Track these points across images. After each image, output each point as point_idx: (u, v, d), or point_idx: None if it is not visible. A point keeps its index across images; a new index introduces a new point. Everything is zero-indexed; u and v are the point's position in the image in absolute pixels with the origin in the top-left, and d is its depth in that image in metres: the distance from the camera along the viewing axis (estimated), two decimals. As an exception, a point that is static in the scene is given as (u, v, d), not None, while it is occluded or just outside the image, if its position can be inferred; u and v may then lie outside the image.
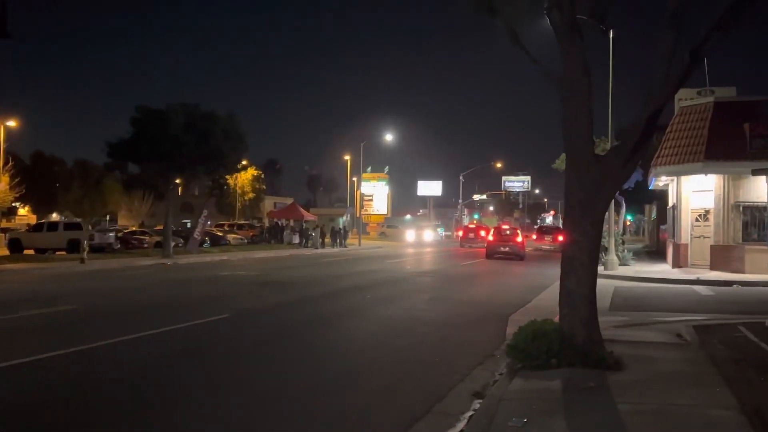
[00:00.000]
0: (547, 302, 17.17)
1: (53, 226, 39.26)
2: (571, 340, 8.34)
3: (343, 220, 64.90)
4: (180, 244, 42.46)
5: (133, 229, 50.84)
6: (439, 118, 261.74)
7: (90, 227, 65.57)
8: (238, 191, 77.09)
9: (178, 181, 79.19)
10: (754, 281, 21.91)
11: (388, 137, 62.64)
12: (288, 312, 14.54)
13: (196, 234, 39.52)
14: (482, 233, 50.77)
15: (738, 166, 23.91)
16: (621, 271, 25.98)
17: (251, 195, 78.72)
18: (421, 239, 72.37)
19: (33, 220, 66.56)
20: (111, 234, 39.07)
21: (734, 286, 21.43)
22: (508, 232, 39.73)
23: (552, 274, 26.96)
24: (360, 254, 42.71)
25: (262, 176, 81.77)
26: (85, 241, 29.40)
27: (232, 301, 16.38)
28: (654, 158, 26.90)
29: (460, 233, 57.85)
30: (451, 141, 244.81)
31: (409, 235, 72.43)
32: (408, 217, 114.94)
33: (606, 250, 27.82)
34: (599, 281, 22.85)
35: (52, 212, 68.01)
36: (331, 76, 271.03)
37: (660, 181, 30.21)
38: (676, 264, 27.23)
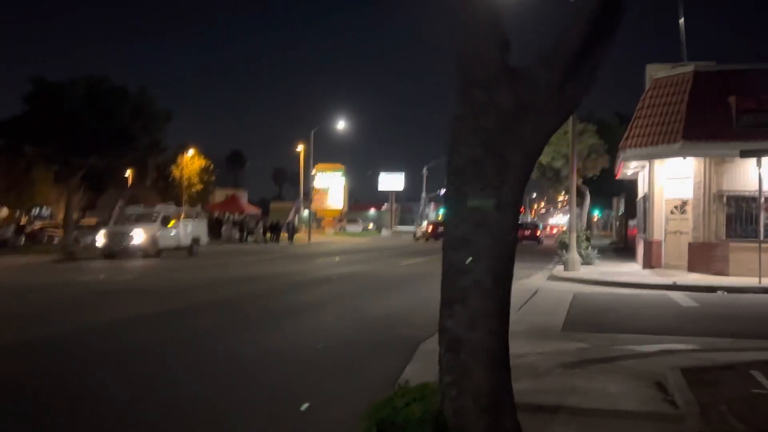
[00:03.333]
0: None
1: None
2: (458, 440, 4.13)
3: (292, 215, 59.93)
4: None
5: (47, 222, 45.72)
6: (406, 109, 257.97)
7: (27, 220, 60.63)
8: (185, 182, 72.03)
9: (132, 172, 74.84)
10: (741, 286, 18.03)
11: (340, 125, 58.25)
12: (67, 346, 10.03)
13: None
14: None
15: (723, 147, 20.02)
16: (584, 273, 22.00)
17: (199, 187, 73.59)
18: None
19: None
20: (9, 228, 34.21)
21: (719, 292, 17.54)
22: None
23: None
24: (299, 252, 38.38)
25: (212, 167, 76.63)
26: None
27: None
28: (622, 140, 22.94)
29: (430, 228, 62.17)
30: (415, 134, 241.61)
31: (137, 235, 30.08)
32: (372, 211, 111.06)
33: (567, 247, 23.85)
34: (557, 285, 18.82)
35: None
36: (297, 68, 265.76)
37: (629, 168, 26.29)
38: (648, 264, 23.31)
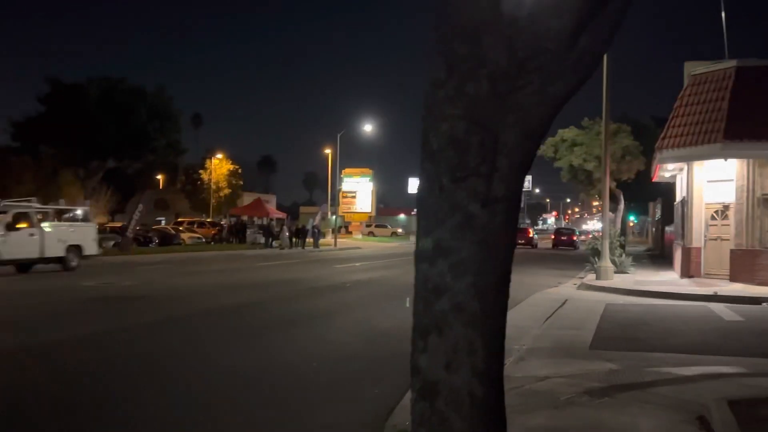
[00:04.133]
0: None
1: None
2: None
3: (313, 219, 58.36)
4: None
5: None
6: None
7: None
8: (213, 186, 71.80)
9: (163, 176, 74.78)
10: (789, 297, 16.59)
11: (368, 128, 57.24)
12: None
13: (128, 232, 34.26)
14: (529, 235, 62.09)
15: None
16: (617, 281, 20.67)
17: (227, 191, 73.34)
18: None
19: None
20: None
21: (764, 304, 16.13)
22: (522, 229, 59.08)
23: (531, 282, 21.90)
24: (322, 256, 37.46)
25: (239, 171, 76.35)
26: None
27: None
28: (659, 140, 21.54)
29: None
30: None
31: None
32: (402, 216, 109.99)
33: (599, 254, 22.49)
34: (588, 295, 17.48)
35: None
36: (331, 71, 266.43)
37: (666, 170, 24.83)
38: (686, 273, 21.83)
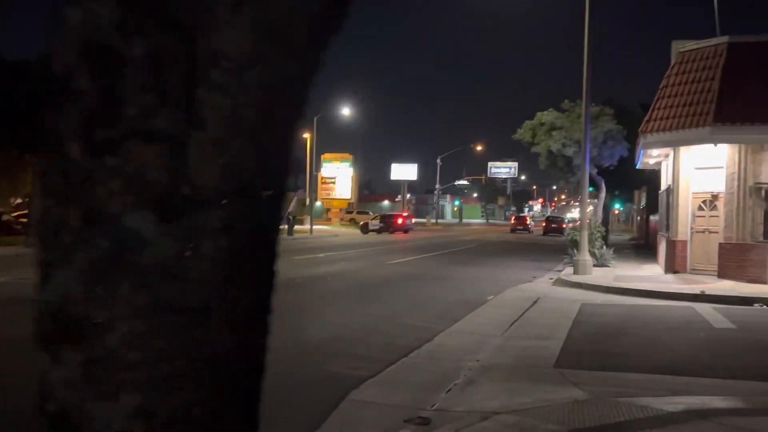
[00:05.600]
0: (461, 339, 10.50)
1: None
2: None
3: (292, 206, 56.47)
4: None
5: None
6: (425, 102, 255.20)
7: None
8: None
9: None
10: (783, 297, 15.00)
11: (346, 112, 55.23)
12: None
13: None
14: (527, 222, 72.68)
15: (761, 131, 16.95)
16: (595, 277, 19.06)
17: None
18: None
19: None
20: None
21: (757, 305, 14.59)
22: (522, 217, 76.90)
23: (504, 277, 20.39)
24: (291, 245, 35.62)
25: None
26: None
27: None
28: (643, 123, 19.86)
29: (512, 221, 75.76)
30: (432, 125, 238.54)
31: None
32: (386, 202, 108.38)
33: (577, 246, 20.84)
34: (563, 292, 14.88)
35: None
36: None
37: (650, 156, 23.19)
38: (671, 268, 20.22)
